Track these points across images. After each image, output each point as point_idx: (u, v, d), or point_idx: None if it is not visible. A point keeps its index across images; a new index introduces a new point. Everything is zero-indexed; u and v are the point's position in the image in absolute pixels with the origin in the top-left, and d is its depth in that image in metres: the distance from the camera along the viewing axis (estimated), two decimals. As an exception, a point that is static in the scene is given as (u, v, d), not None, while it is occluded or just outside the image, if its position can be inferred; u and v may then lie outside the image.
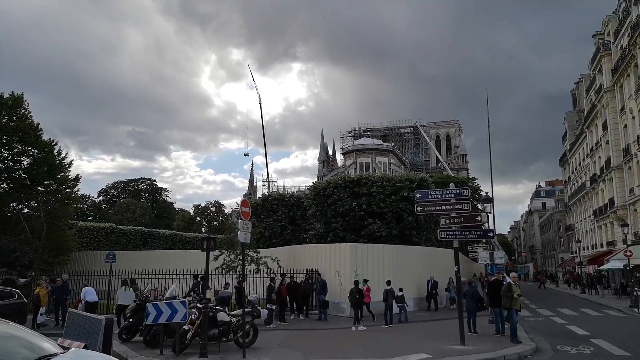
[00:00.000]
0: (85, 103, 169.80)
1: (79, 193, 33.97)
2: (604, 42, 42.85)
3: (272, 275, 18.48)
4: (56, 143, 26.80)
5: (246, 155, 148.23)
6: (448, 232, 13.19)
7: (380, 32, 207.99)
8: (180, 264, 21.15)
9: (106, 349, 8.45)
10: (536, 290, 44.17)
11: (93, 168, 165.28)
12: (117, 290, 16.95)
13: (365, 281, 17.98)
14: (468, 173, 77.08)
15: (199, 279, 17.28)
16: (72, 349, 5.77)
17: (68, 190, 27.50)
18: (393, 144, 74.09)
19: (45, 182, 26.16)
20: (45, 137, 26.35)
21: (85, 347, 8.22)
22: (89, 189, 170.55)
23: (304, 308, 19.42)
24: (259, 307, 14.11)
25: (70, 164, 27.35)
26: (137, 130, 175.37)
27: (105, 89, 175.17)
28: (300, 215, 29.67)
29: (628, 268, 27.31)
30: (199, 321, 11.28)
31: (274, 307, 17.16)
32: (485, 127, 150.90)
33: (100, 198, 71.09)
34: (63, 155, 26.94)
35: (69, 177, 27.34)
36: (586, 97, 53.69)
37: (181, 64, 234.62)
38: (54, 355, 5.09)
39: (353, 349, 12.19)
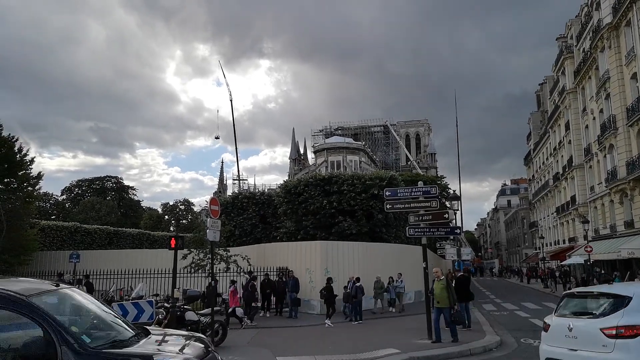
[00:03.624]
0: (44, 97, 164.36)
1: (41, 191, 32.85)
2: (567, 45, 44.20)
3: (253, 274, 18.35)
4: (16, 139, 25.87)
5: (217, 138, 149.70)
6: (416, 229, 13.38)
7: (347, 29, 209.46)
8: (147, 264, 20.77)
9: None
10: (501, 284, 45.29)
11: (55, 165, 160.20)
12: None
13: (233, 282, 16.87)
14: (437, 171, 78.49)
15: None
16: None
17: (29, 189, 26.67)
18: (364, 143, 74.72)
19: (5, 180, 25.22)
20: (4, 133, 25.42)
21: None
22: (52, 187, 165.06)
23: (278, 306, 19.31)
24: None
25: (32, 161, 26.49)
26: (100, 126, 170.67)
27: (65, 83, 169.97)
28: (270, 214, 29.53)
29: (588, 263, 28.33)
30: (166, 321, 11.08)
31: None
32: (453, 125, 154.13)
33: (64, 196, 69.12)
34: (24, 152, 26.07)
35: (31, 174, 26.47)
36: (550, 98, 55.33)
37: (145, 59, 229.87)
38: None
39: (323, 346, 12.23)
